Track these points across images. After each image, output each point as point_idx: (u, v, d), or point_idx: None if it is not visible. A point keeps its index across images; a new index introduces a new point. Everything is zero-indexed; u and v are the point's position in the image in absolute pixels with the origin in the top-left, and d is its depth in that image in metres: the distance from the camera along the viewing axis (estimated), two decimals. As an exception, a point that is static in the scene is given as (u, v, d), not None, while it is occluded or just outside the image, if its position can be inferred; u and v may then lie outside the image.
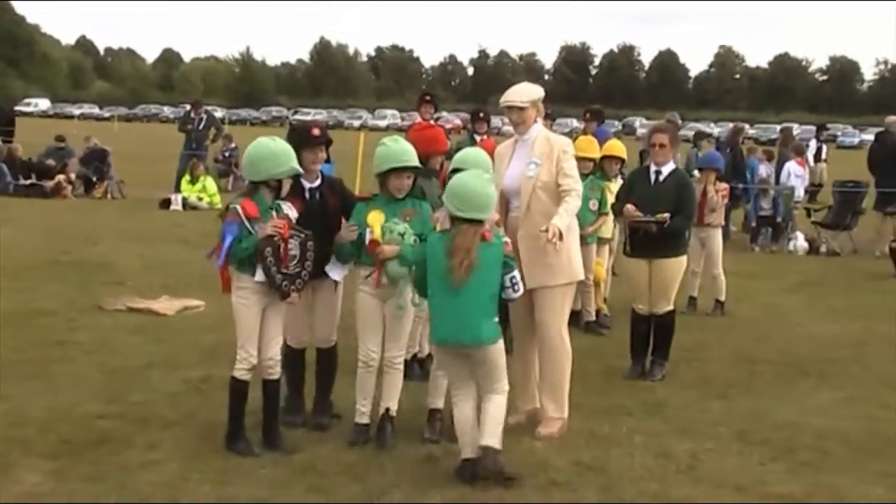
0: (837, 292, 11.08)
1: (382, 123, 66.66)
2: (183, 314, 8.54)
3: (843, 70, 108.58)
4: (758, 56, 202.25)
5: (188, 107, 20.88)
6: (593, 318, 8.72)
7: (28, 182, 18.08)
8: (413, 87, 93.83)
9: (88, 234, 13.25)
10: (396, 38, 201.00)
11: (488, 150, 6.10)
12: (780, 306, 10.14)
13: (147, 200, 17.48)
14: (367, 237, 5.24)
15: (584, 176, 7.30)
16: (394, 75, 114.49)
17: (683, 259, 7.25)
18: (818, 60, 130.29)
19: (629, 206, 7.05)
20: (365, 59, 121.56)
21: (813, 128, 32.84)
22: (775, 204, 15.04)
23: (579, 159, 6.61)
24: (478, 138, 10.51)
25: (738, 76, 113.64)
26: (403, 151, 5.36)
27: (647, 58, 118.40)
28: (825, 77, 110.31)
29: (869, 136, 43.71)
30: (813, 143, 21.36)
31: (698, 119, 63.32)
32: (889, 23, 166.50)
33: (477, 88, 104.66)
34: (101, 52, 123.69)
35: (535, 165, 5.70)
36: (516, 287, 4.99)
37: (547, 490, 4.80)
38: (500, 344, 4.97)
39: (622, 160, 9.36)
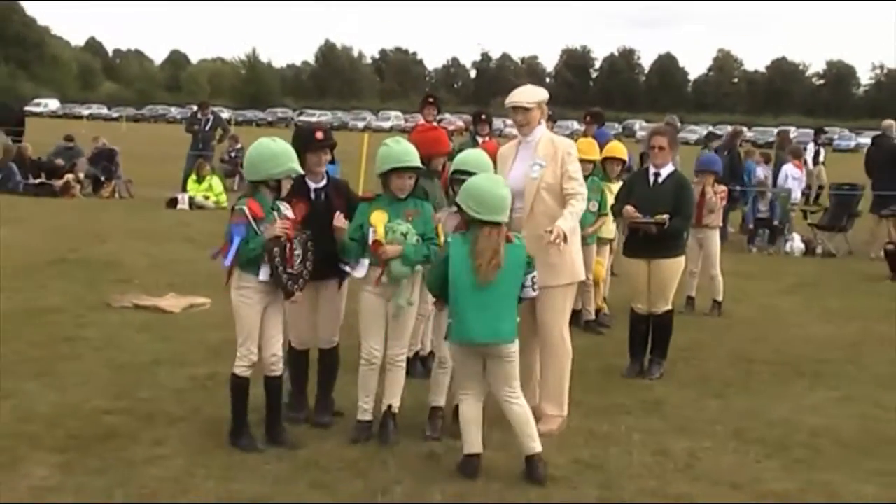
0: (833, 293, 11.13)
1: (386, 125, 66.51)
2: (189, 312, 8.61)
3: (840, 74, 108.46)
4: (756, 60, 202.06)
5: (195, 108, 20.96)
6: (593, 317, 8.78)
7: (37, 181, 18.19)
8: (416, 89, 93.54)
9: (96, 232, 13.34)
10: (400, 41, 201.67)
11: (490, 152, 6.15)
12: (776, 307, 10.19)
13: (154, 200, 17.59)
14: (371, 237, 5.27)
15: (584, 177, 7.34)
16: (397, 77, 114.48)
17: (682, 260, 7.32)
18: (815, 65, 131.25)
19: (629, 208, 7.12)
20: (369, 61, 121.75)
21: (810, 131, 33.00)
22: (772, 206, 15.10)
23: (579, 161, 6.66)
24: (480, 140, 10.58)
25: (736, 80, 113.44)
26: (405, 152, 5.41)
27: (646, 61, 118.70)
28: (822, 81, 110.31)
29: (865, 140, 43.66)
30: (811, 147, 21.37)
31: (697, 122, 63.12)
32: (886, 28, 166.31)
33: (479, 91, 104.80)
34: (110, 53, 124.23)
35: (540, 167, 5.75)
36: (535, 287, 5.09)
37: (546, 487, 4.85)
38: (518, 342, 5.04)
39: (623, 161, 9.44)
